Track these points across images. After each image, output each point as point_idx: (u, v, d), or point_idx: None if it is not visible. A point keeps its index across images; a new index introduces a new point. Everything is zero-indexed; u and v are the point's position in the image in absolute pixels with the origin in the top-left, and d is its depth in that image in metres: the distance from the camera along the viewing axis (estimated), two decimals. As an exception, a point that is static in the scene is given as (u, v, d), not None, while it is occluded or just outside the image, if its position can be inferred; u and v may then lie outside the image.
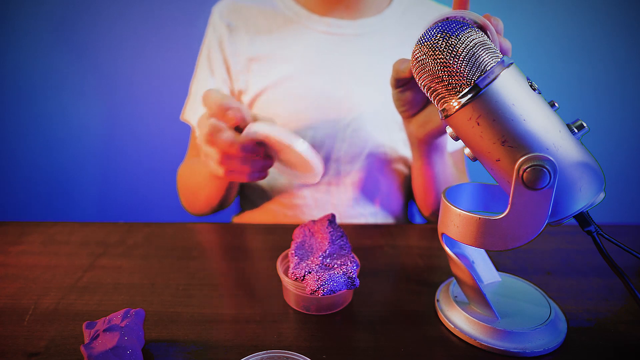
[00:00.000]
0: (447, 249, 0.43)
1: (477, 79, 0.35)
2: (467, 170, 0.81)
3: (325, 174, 0.76)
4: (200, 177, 0.71)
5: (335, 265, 0.46)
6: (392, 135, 0.76)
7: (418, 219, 0.92)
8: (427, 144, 0.58)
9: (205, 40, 0.79)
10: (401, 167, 0.79)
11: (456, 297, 0.46)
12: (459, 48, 0.35)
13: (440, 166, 0.64)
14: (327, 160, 0.75)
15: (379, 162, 0.77)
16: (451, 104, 0.36)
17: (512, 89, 0.35)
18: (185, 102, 0.81)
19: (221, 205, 0.75)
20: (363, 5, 0.76)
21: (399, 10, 0.77)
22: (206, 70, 0.77)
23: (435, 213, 0.73)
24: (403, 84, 0.50)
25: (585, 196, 0.36)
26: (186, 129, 0.81)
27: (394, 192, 0.80)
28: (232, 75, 0.76)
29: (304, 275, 0.45)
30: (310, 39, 0.74)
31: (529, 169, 0.34)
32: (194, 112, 0.78)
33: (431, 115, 0.53)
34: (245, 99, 0.76)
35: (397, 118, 0.73)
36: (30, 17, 1.27)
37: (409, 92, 0.51)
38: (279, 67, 0.74)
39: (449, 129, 0.40)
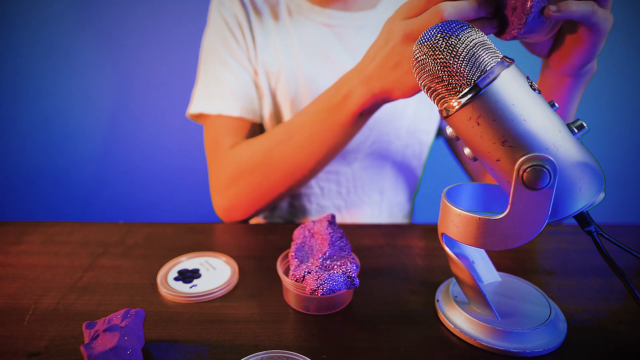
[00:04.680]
0: (447, 249, 0.43)
1: (477, 79, 0.35)
2: None
3: (331, 162, 0.75)
4: (320, 123, 0.60)
5: (335, 266, 0.46)
6: (396, 123, 0.76)
7: (419, 218, 0.92)
8: (572, 77, 0.51)
9: (214, 20, 0.75)
10: (406, 156, 0.80)
11: (456, 297, 0.46)
12: (459, 48, 0.35)
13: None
14: None
15: (384, 151, 0.77)
16: (451, 104, 0.36)
17: (512, 89, 0.35)
18: (193, 94, 0.76)
19: (334, 155, 0.64)
20: None
21: (392, 3, 0.79)
22: (232, 43, 0.73)
23: None
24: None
25: (585, 196, 0.36)
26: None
27: (399, 181, 0.81)
28: (249, 51, 0.74)
29: (304, 276, 0.45)
30: (311, 30, 0.75)
31: (529, 169, 0.34)
32: (219, 99, 0.73)
33: (566, 49, 0.47)
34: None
35: (399, 106, 0.73)
36: (30, 18, 1.27)
37: (533, 37, 0.44)
38: (281, 57, 0.74)
39: (449, 129, 0.40)
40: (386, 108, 0.73)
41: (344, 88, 0.57)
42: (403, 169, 0.80)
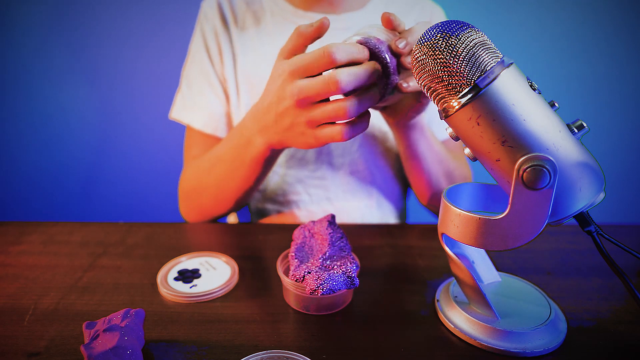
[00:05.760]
0: (447, 249, 0.43)
1: (477, 79, 0.35)
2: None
3: (318, 167, 0.76)
4: (231, 162, 0.64)
5: (335, 266, 0.46)
6: (382, 127, 0.76)
7: (413, 218, 0.92)
8: (404, 127, 0.61)
9: (197, 33, 0.79)
10: (393, 159, 0.80)
11: (456, 297, 0.46)
12: (459, 48, 0.35)
13: (425, 145, 0.65)
14: (318, 154, 0.76)
15: (372, 154, 0.77)
16: (451, 104, 0.36)
17: (512, 89, 0.35)
18: (174, 98, 0.79)
19: (254, 188, 0.67)
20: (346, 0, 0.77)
21: (380, 5, 0.78)
22: (205, 61, 0.77)
23: (433, 200, 0.74)
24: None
25: (585, 196, 0.36)
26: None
27: (389, 184, 0.80)
28: (224, 67, 0.76)
29: (304, 276, 0.45)
30: None
31: (529, 169, 0.34)
32: (189, 110, 0.77)
33: (399, 103, 0.56)
34: (232, 92, 0.76)
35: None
36: (30, 17, 1.28)
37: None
38: (266, 61, 0.74)
39: (449, 129, 0.40)
40: (371, 111, 0.73)
41: (245, 134, 0.59)
42: (392, 170, 0.80)
